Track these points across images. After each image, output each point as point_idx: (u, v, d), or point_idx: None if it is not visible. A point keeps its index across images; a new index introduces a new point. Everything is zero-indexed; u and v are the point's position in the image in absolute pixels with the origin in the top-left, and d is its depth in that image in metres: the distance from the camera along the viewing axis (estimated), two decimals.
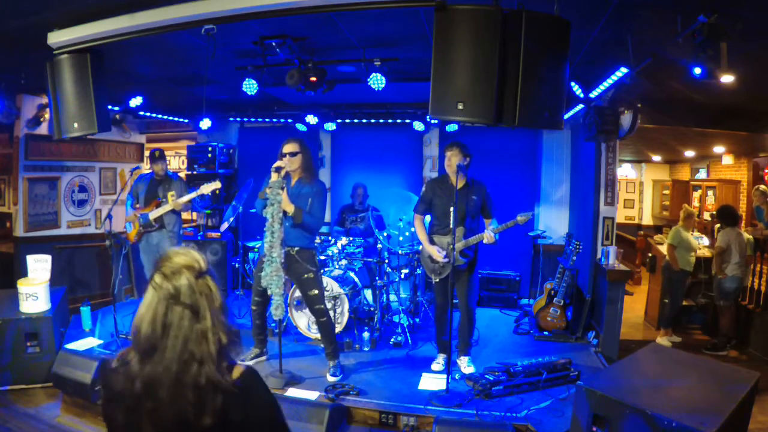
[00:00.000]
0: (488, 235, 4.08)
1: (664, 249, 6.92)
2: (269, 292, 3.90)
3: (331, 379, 4.12)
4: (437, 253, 4.18)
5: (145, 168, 7.02)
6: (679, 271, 5.88)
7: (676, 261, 5.89)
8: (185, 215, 6.30)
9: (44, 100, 5.73)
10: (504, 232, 4.18)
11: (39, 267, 4.70)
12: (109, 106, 5.19)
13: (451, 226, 3.97)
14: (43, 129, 5.85)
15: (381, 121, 6.95)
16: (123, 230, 5.27)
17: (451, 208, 3.90)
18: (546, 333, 5.41)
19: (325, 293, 4.57)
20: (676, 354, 3.81)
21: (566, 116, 5.76)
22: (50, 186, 6.19)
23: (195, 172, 7.27)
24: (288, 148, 4.04)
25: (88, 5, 3.10)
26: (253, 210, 4.19)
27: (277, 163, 3.90)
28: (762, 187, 6.94)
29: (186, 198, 5.05)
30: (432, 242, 4.30)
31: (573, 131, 6.60)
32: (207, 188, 4.99)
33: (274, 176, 3.85)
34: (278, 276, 3.80)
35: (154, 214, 5.06)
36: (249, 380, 1.30)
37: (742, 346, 5.75)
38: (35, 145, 5.93)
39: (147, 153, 7.89)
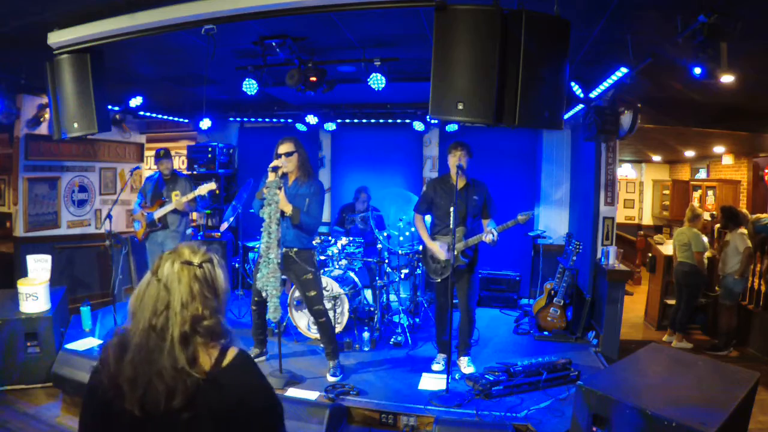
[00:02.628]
0: (488, 237, 4.07)
1: (664, 250, 6.93)
2: (264, 295, 3.90)
3: (331, 379, 4.12)
4: (439, 250, 4.18)
5: (148, 168, 7.04)
6: (705, 274, 5.89)
7: (704, 266, 5.87)
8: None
9: (44, 100, 5.73)
10: (504, 232, 4.17)
11: (39, 267, 4.70)
12: (109, 106, 5.20)
13: (451, 226, 3.97)
14: (43, 129, 5.85)
15: (381, 121, 6.95)
16: (131, 228, 5.28)
17: (452, 208, 3.90)
18: (546, 333, 5.41)
19: (325, 293, 4.57)
20: (676, 354, 3.81)
21: (566, 116, 5.76)
22: (50, 186, 6.19)
23: (195, 172, 7.27)
24: (283, 148, 4.02)
25: (88, 5, 3.10)
26: (252, 210, 4.19)
27: (274, 163, 3.89)
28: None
29: (185, 198, 5.08)
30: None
31: (573, 131, 6.60)
32: (203, 189, 5.04)
33: (270, 176, 3.84)
34: (275, 278, 3.79)
35: (157, 213, 5.14)
36: (233, 370, 1.32)
37: (742, 346, 5.75)
38: (35, 145, 5.93)
39: (148, 153, 7.92)
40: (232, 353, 1.35)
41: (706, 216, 8.65)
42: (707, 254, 6.03)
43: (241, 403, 1.30)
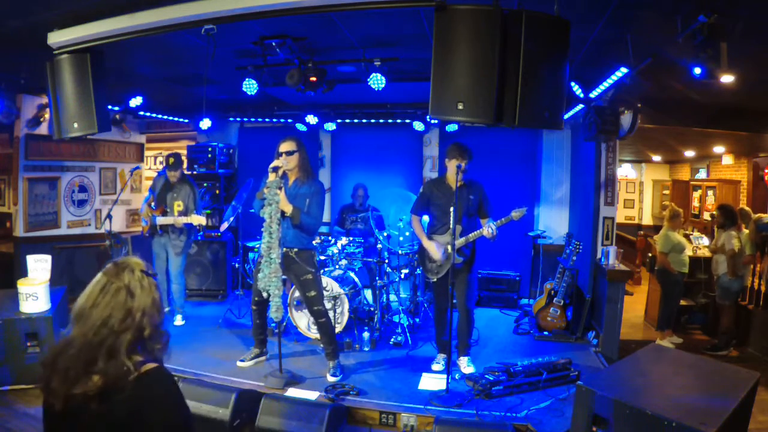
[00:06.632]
0: (488, 230, 4.07)
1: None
2: (265, 295, 3.89)
3: (331, 379, 4.12)
4: (435, 250, 4.18)
5: (148, 168, 7.01)
6: (676, 273, 5.84)
7: (671, 266, 5.82)
8: None
9: (44, 100, 5.74)
10: (504, 232, 4.18)
11: (39, 267, 4.69)
12: (109, 106, 5.20)
13: (450, 226, 3.98)
14: (43, 129, 5.86)
15: (381, 121, 6.95)
16: (132, 227, 5.28)
17: (452, 209, 3.91)
18: (546, 333, 5.41)
19: (325, 293, 4.57)
20: (676, 354, 3.81)
21: (566, 116, 5.76)
22: (50, 186, 6.20)
23: (195, 172, 7.28)
24: (284, 146, 4.02)
25: (88, 5, 3.10)
26: (253, 210, 4.19)
27: (274, 163, 3.89)
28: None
29: (174, 220, 5.15)
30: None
31: (573, 131, 6.60)
32: (195, 220, 5.14)
33: (271, 176, 3.84)
34: (276, 277, 3.79)
35: (160, 221, 5.20)
36: (151, 380, 1.35)
37: (742, 346, 5.75)
38: (35, 145, 5.93)
39: (148, 153, 7.93)
40: (151, 366, 1.38)
41: (706, 216, 8.66)
42: (688, 253, 5.98)
43: (140, 414, 1.31)
